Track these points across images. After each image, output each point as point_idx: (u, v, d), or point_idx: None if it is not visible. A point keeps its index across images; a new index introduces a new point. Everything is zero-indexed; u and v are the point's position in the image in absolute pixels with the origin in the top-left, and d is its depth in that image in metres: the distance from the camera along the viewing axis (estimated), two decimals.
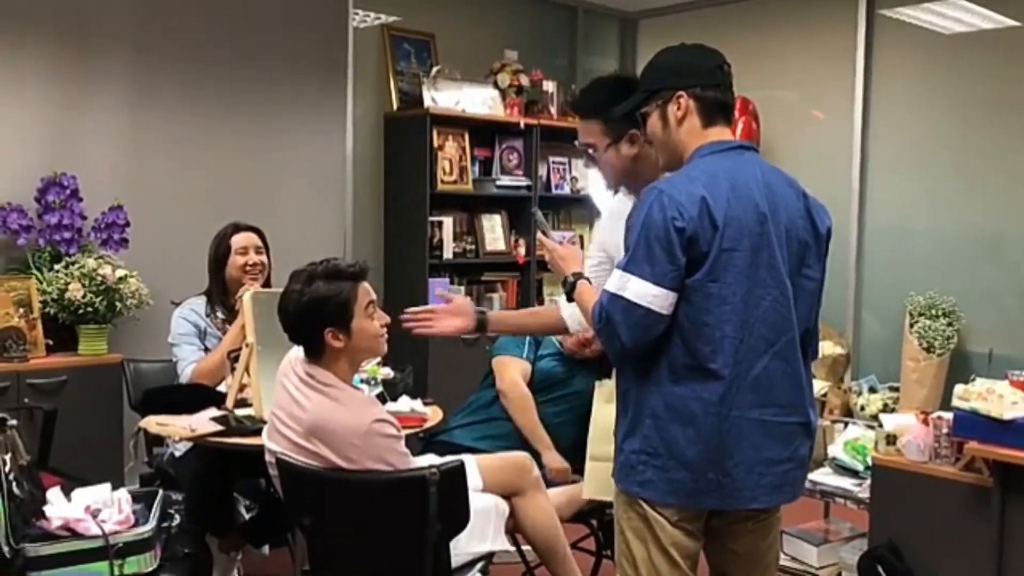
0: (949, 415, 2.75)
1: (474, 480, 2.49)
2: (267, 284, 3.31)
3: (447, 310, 2.49)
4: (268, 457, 2.34)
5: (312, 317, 2.25)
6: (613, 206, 2.44)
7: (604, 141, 2.24)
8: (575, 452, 2.89)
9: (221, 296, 3.29)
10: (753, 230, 1.88)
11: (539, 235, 2.30)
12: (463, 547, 2.37)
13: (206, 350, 3.20)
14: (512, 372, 3.19)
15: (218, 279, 3.30)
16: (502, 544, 2.55)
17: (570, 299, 2.14)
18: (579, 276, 2.11)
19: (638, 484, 1.94)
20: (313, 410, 2.23)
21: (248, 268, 3.27)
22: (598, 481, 2.44)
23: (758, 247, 1.88)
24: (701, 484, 1.89)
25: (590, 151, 2.29)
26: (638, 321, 1.84)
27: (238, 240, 3.30)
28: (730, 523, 2.00)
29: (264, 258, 3.33)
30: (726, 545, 2.03)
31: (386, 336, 2.38)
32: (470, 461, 2.50)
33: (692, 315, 1.86)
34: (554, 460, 3.06)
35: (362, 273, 2.32)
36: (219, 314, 3.26)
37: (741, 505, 1.94)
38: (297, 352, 2.34)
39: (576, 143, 2.30)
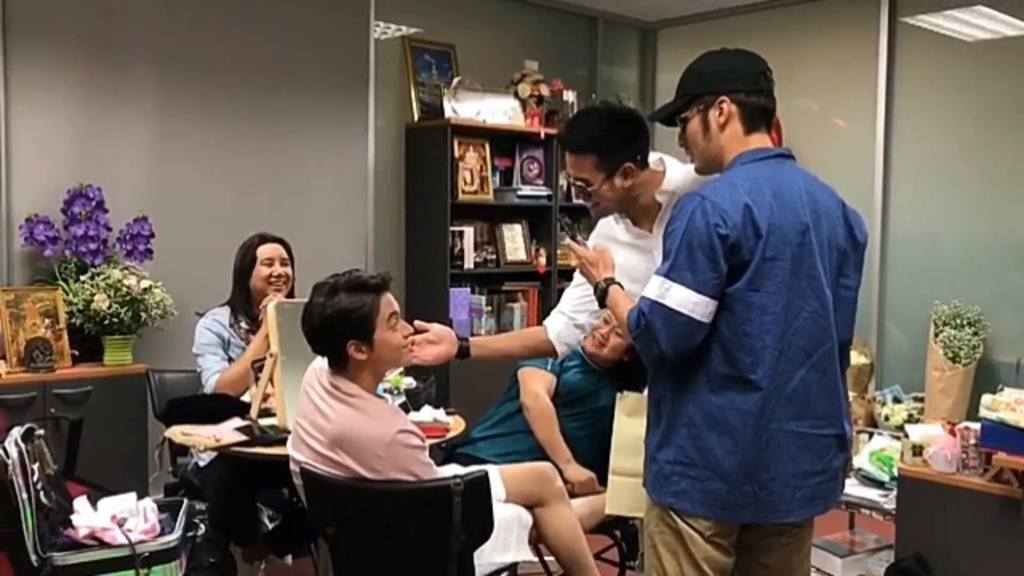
0: (976, 425, 2.73)
1: (497, 490, 2.48)
2: (291, 295, 3.32)
3: (427, 338, 2.45)
4: (293, 467, 2.35)
5: (335, 329, 2.24)
6: (599, 229, 2.41)
7: (599, 176, 2.17)
8: (597, 466, 2.88)
9: (245, 306, 3.31)
10: (795, 239, 1.86)
11: (568, 241, 2.27)
12: (486, 557, 2.36)
13: (230, 360, 3.21)
14: (536, 385, 3.16)
15: (242, 289, 3.32)
16: (525, 554, 2.55)
17: (602, 305, 2.11)
18: (611, 281, 2.07)
19: (672, 495, 1.91)
20: (337, 420, 2.23)
21: (272, 279, 3.29)
22: (621, 496, 2.40)
23: (799, 257, 1.86)
24: (737, 496, 1.87)
25: (581, 184, 2.21)
26: (679, 329, 1.82)
27: (263, 251, 3.32)
28: (764, 537, 1.98)
29: (289, 270, 3.35)
30: (758, 559, 2.01)
31: (408, 348, 2.38)
32: (493, 471, 2.50)
33: (733, 324, 1.84)
34: (576, 473, 3.04)
35: (384, 284, 2.32)
36: (243, 324, 3.28)
37: (777, 519, 1.91)
38: (321, 362, 2.35)
39: (570, 178, 2.26)
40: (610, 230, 2.35)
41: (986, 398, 2.66)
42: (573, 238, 2.26)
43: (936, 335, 4.51)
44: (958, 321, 4.48)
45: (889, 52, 4.91)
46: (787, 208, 1.87)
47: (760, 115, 1.96)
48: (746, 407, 1.84)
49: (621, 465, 2.39)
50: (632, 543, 2.97)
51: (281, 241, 3.38)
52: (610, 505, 2.46)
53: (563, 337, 2.51)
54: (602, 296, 2.08)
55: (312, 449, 2.27)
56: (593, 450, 3.05)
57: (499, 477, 2.55)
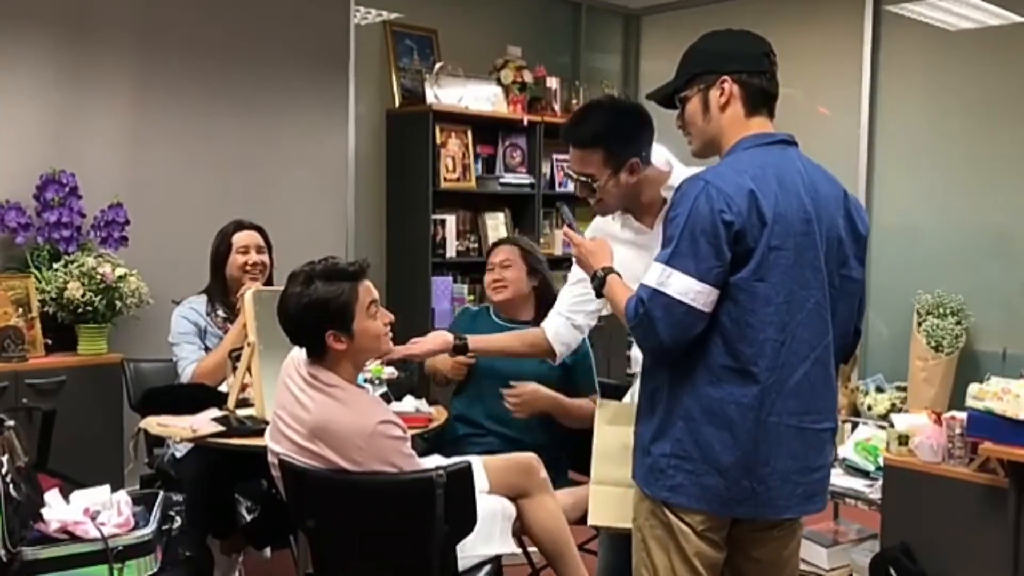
0: (962, 415, 2.71)
1: (480, 482, 2.44)
2: (268, 283, 3.27)
3: (418, 340, 2.41)
4: (271, 458, 2.30)
5: (312, 319, 2.19)
6: (596, 222, 2.37)
7: (605, 172, 2.14)
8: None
9: (221, 295, 3.25)
10: (799, 228, 1.81)
11: (565, 229, 2.21)
12: (469, 549, 2.32)
13: (207, 349, 3.16)
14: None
15: (218, 277, 3.26)
16: (509, 547, 2.51)
17: (599, 295, 2.05)
18: (609, 270, 2.02)
19: (668, 489, 1.86)
20: (316, 411, 2.19)
21: (248, 268, 3.23)
22: (604, 506, 2.31)
23: (803, 247, 1.82)
24: (735, 491, 1.83)
25: (586, 180, 2.16)
26: (679, 319, 1.76)
27: (240, 238, 3.26)
28: (755, 531, 1.94)
29: (265, 258, 3.29)
30: (748, 553, 1.97)
31: (390, 334, 2.33)
32: (477, 462, 2.46)
33: (735, 315, 1.79)
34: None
35: (362, 272, 2.26)
36: (220, 312, 3.22)
37: (774, 515, 1.89)
38: (300, 352, 2.30)
39: (571, 173, 2.18)
40: (607, 226, 2.31)
41: (972, 387, 2.65)
42: (571, 226, 2.20)
43: (919, 324, 4.52)
44: (941, 310, 4.49)
45: (874, 41, 4.90)
46: (791, 196, 1.82)
47: (762, 98, 1.91)
48: (745, 400, 1.80)
49: (603, 475, 2.30)
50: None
51: (258, 228, 3.32)
52: (593, 516, 2.34)
53: (561, 336, 2.49)
54: (600, 285, 2.02)
55: (291, 441, 2.22)
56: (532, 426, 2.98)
57: (482, 469, 2.51)
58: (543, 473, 2.65)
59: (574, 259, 2.18)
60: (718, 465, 1.81)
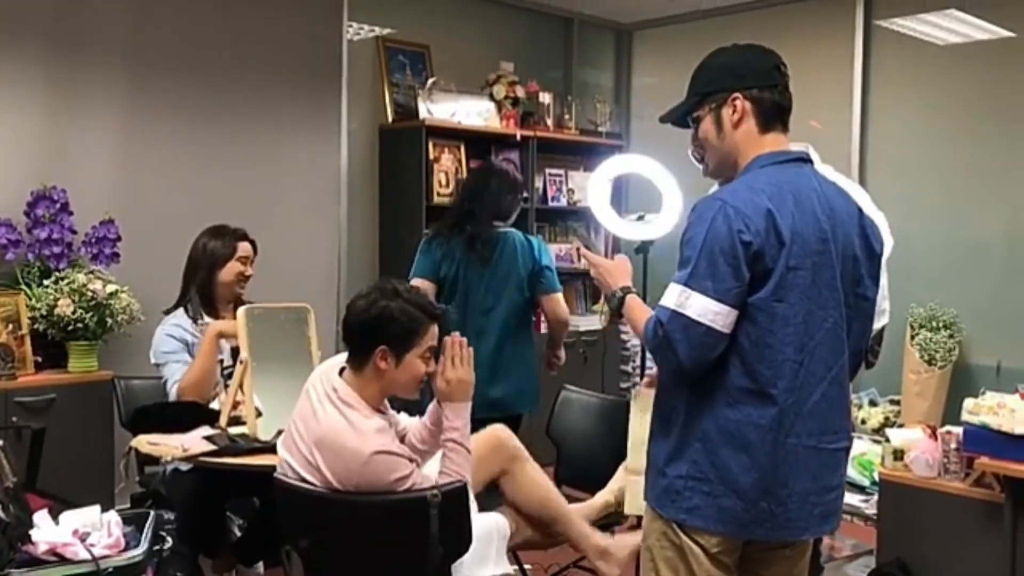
0: (958, 430, 2.71)
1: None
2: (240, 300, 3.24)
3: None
4: (279, 468, 2.28)
5: (376, 329, 2.19)
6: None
7: (695, 145, 2.11)
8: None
9: (205, 302, 3.18)
10: (816, 248, 1.80)
11: (582, 249, 2.20)
12: (465, 571, 2.30)
13: None
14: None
15: (208, 280, 3.19)
16: (504, 568, 2.48)
17: (618, 315, 2.02)
18: (627, 290, 2.00)
19: (684, 511, 1.83)
20: (324, 423, 2.18)
21: (243, 278, 3.22)
22: (639, 495, 2.24)
23: (820, 266, 1.80)
24: (753, 513, 1.80)
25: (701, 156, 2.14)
26: (699, 340, 1.75)
27: (243, 248, 3.24)
28: (766, 551, 1.92)
29: (252, 273, 3.28)
30: (758, 573, 1.95)
31: (422, 387, 2.31)
32: None
33: (754, 335, 1.77)
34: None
35: (440, 317, 2.29)
36: (208, 320, 3.17)
37: (791, 536, 1.87)
38: (331, 364, 2.30)
39: (689, 152, 2.16)
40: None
41: (968, 402, 2.65)
42: (587, 246, 2.18)
43: (912, 338, 4.52)
44: (934, 324, 4.49)
45: (864, 55, 4.92)
46: (807, 215, 1.80)
47: (776, 112, 1.90)
48: (763, 422, 1.78)
49: (637, 464, 2.28)
50: None
51: (254, 244, 3.32)
52: (629, 506, 2.38)
53: None
54: (618, 305, 2.00)
55: (299, 451, 2.21)
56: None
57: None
58: (513, 441, 2.61)
59: (594, 279, 2.13)
60: (736, 487, 1.79)
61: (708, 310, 1.74)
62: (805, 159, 1.92)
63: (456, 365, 2.30)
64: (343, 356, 2.32)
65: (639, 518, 2.21)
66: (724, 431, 1.79)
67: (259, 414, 2.67)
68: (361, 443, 2.14)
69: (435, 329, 2.26)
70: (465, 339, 2.34)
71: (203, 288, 3.20)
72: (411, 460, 2.21)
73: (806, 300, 1.79)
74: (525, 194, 5.08)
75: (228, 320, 3.05)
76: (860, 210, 1.94)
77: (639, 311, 1.93)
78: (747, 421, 1.78)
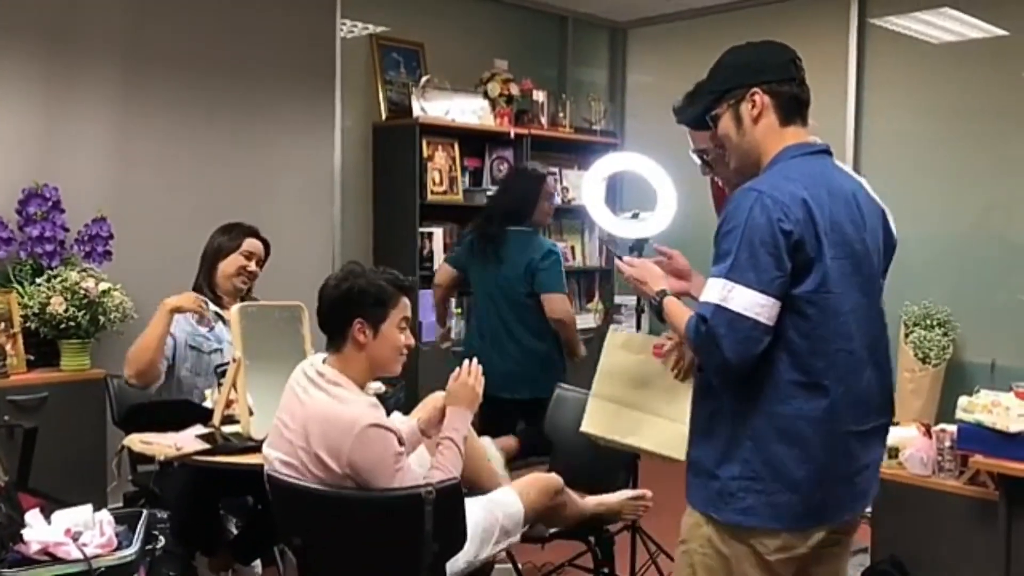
0: (952, 428, 2.71)
1: (513, 505, 2.49)
2: (249, 292, 3.29)
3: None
4: (267, 467, 2.27)
5: (349, 303, 2.26)
6: None
7: (713, 144, 2.09)
8: None
9: (208, 289, 3.23)
10: (852, 236, 1.80)
11: (616, 260, 2.17)
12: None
13: (193, 348, 3.15)
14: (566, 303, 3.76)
15: (212, 272, 3.23)
16: (487, 552, 2.46)
17: (660, 320, 1.99)
18: (664, 294, 1.98)
19: (739, 512, 1.79)
20: (312, 405, 2.21)
21: (242, 272, 3.23)
22: (599, 419, 2.38)
23: (858, 255, 1.81)
24: (809, 505, 1.78)
25: (705, 157, 2.17)
26: (745, 335, 1.70)
27: (250, 243, 3.27)
28: (822, 547, 1.86)
29: (258, 270, 3.30)
30: (808, 570, 1.89)
31: (404, 358, 2.35)
32: (509, 491, 2.53)
33: (805, 329, 1.74)
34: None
35: (410, 288, 2.36)
36: (210, 306, 3.19)
37: (836, 520, 1.84)
38: (311, 359, 2.34)
39: (690, 152, 2.21)
40: None
41: (962, 400, 2.65)
42: (619, 257, 2.17)
43: (906, 336, 4.52)
44: (928, 322, 4.49)
45: (859, 53, 4.92)
46: (841, 205, 1.80)
47: (795, 105, 1.88)
48: (816, 415, 1.76)
49: (604, 391, 2.37)
50: (606, 549, 2.93)
51: (265, 243, 3.33)
52: (586, 424, 2.41)
53: None
54: (659, 311, 1.96)
55: (288, 441, 2.22)
56: None
57: (516, 496, 2.53)
58: (562, 496, 2.64)
59: (632, 288, 2.13)
60: (790, 483, 1.77)
61: (753, 303, 1.70)
62: (829, 151, 1.92)
63: (468, 375, 2.46)
64: (323, 354, 2.35)
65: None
66: (776, 427, 1.76)
67: (251, 413, 2.66)
68: (354, 415, 2.16)
69: (406, 301, 2.33)
70: (480, 365, 2.48)
71: (208, 280, 3.24)
72: (402, 443, 2.22)
73: (851, 289, 1.78)
74: (557, 198, 5.10)
75: (185, 294, 3.08)
76: (880, 203, 1.95)
77: (679, 312, 1.90)
78: (799, 415, 1.76)
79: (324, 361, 2.30)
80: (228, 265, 3.23)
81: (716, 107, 1.91)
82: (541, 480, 2.64)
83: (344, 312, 2.26)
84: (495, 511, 2.44)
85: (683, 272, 2.15)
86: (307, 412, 2.21)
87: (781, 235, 1.71)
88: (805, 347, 1.75)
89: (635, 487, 3.17)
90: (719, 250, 1.78)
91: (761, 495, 1.77)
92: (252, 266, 3.26)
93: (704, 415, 1.88)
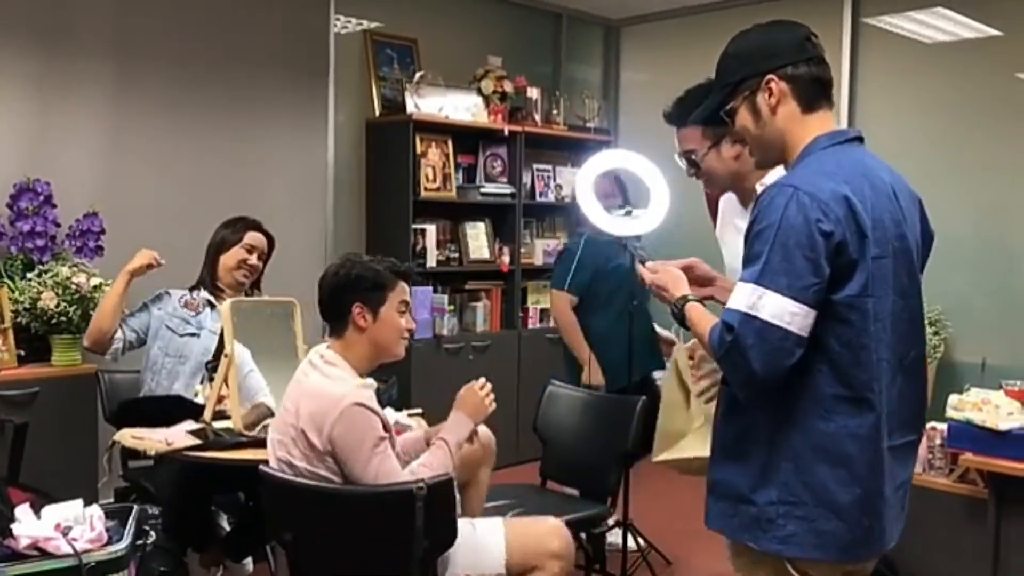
0: (942, 426, 2.72)
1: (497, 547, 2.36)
2: (256, 285, 3.31)
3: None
4: (270, 461, 2.29)
5: (348, 288, 2.29)
6: (725, 203, 2.22)
7: (704, 144, 2.04)
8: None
9: (211, 286, 3.25)
10: (894, 233, 1.64)
11: (638, 266, 2.00)
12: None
13: (171, 331, 3.18)
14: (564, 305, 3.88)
15: (213, 264, 3.25)
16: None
17: (683, 326, 1.82)
18: (686, 300, 1.79)
19: (779, 541, 1.62)
20: (306, 383, 2.25)
21: (243, 265, 3.24)
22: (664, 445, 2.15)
23: (899, 252, 1.65)
24: (856, 533, 1.61)
25: (692, 157, 2.08)
26: (775, 345, 1.54)
27: (252, 237, 3.28)
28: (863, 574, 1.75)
29: (260, 265, 3.31)
30: None
31: (406, 342, 2.38)
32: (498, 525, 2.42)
33: (846, 337, 1.57)
34: (595, 376, 3.71)
35: (408, 274, 2.40)
36: (203, 294, 3.23)
37: (884, 547, 1.67)
38: (317, 348, 2.35)
39: (675, 156, 2.13)
40: (732, 212, 2.18)
41: (953, 398, 2.66)
42: (642, 262, 2.00)
43: None
44: None
45: (852, 52, 4.93)
46: (883, 199, 1.64)
47: (817, 87, 1.69)
48: (862, 432, 1.59)
49: (668, 426, 2.15)
50: (597, 547, 2.93)
51: (269, 237, 3.34)
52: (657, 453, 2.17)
53: None
54: (681, 317, 1.79)
55: (283, 420, 2.24)
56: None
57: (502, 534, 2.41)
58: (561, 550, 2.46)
59: (652, 294, 1.97)
60: (834, 507, 1.60)
61: (784, 311, 1.53)
62: (861, 138, 1.75)
63: (479, 389, 2.45)
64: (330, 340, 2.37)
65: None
66: (818, 447, 1.59)
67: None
68: (342, 392, 2.19)
69: (404, 285, 2.36)
70: (489, 384, 2.47)
71: (211, 273, 3.26)
72: (387, 431, 2.22)
73: (892, 292, 1.63)
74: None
75: (140, 252, 3.15)
76: (915, 191, 1.81)
77: (701, 319, 1.72)
78: (844, 432, 1.59)
79: (328, 347, 2.34)
80: (229, 258, 3.23)
81: (731, 100, 1.73)
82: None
83: (343, 297, 2.29)
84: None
85: (705, 280, 2.01)
86: (301, 389, 2.26)
87: (820, 237, 1.54)
88: (847, 357, 1.59)
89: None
90: (750, 252, 1.61)
91: (803, 521, 1.61)
92: (253, 259, 3.26)
93: (732, 434, 1.71)
